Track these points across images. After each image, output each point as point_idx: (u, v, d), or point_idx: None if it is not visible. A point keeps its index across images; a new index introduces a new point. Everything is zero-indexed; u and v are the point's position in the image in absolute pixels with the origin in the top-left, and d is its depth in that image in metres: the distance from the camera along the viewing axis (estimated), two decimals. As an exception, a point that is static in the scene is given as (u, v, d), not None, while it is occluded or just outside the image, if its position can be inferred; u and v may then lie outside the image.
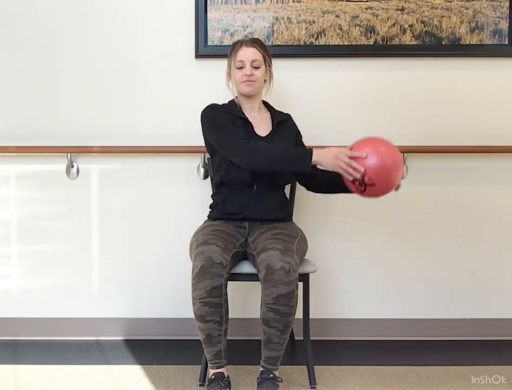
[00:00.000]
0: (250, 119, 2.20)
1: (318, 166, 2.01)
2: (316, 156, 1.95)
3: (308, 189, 2.31)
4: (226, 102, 2.28)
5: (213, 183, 2.36)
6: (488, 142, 2.57)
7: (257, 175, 2.14)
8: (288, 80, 2.53)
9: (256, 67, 2.16)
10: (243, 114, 2.21)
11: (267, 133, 2.21)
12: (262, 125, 2.22)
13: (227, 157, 2.11)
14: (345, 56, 2.57)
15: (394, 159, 1.93)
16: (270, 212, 2.19)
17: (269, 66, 2.22)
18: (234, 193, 2.19)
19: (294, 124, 2.32)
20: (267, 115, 2.27)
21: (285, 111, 2.33)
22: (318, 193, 2.30)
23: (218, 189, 2.27)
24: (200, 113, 2.20)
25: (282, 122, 2.25)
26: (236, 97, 2.25)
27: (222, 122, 2.14)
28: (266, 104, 2.31)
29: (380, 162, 1.89)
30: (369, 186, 1.91)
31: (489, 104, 2.59)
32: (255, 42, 2.18)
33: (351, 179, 1.93)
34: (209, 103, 2.23)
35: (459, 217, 2.63)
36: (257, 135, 2.18)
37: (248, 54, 2.15)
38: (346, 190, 2.07)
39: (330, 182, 2.18)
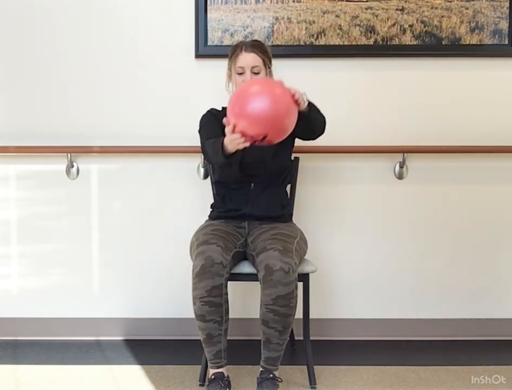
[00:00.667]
0: None
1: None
2: (227, 147, 1.94)
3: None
4: (225, 104, 2.27)
5: (213, 182, 2.37)
6: (488, 142, 2.57)
7: (248, 174, 2.16)
8: (288, 80, 2.52)
9: (256, 73, 2.16)
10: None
11: None
12: None
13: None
14: (345, 56, 2.57)
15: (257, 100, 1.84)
16: (269, 210, 2.19)
17: (269, 68, 2.22)
18: (232, 191, 2.20)
19: None
20: None
21: None
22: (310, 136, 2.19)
23: (218, 188, 2.28)
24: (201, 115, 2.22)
25: None
26: None
27: (206, 126, 2.20)
28: None
29: (249, 120, 1.83)
30: (267, 141, 1.87)
31: (489, 104, 2.59)
32: (255, 46, 2.17)
33: (248, 143, 1.89)
34: (209, 107, 2.25)
35: (459, 217, 2.63)
36: None
37: (248, 60, 2.14)
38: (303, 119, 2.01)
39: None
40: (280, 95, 1.87)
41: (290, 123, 1.90)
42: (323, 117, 2.13)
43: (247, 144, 1.89)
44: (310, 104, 2.03)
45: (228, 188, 2.21)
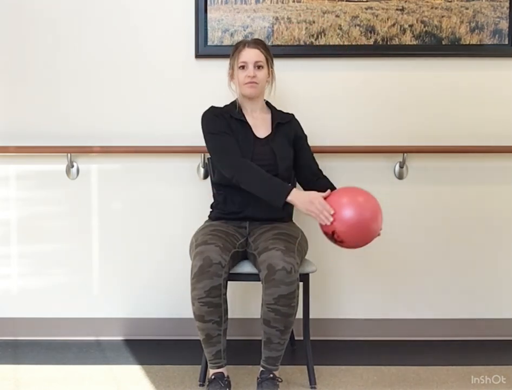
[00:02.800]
0: (249, 122, 2.20)
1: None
2: (292, 197, 1.99)
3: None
4: (227, 102, 2.28)
5: (213, 183, 2.37)
6: (488, 142, 2.57)
7: None
8: (288, 80, 2.53)
9: (259, 69, 2.16)
10: (243, 116, 2.21)
11: (266, 135, 2.21)
12: (261, 127, 2.21)
13: (217, 166, 2.16)
14: (345, 56, 2.57)
15: (372, 211, 1.94)
16: (271, 211, 2.18)
17: (271, 67, 2.22)
18: (234, 192, 2.19)
19: (298, 125, 2.30)
20: (268, 116, 2.27)
21: (285, 112, 2.32)
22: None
23: (219, 189, 2.27)
24: (201, 115, 2.21)
25: (281, 123, 2.24)
26: (238, 98, 2.25)
27: (217, 129, 2.15)
28: (268, 104, 2.31)
29: (354, 219, 1.90)
30: (338, 242, 1.94)
31: (489, 104, 2.59)
32: (258, 43, 2.18)
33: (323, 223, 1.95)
34: (210, 105, 2.23)
35: (459, 217, 2.63)
36: (256, 137, 2.18)
37: (251, 55, 2.15)
38: None
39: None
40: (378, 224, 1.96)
41: (376, 229, 1.96)
42: None
43: (326, 222, 1.93)
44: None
45: (229, 189, 2.21)
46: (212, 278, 1.93)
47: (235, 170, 2.07)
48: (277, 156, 2.16)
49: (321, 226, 1.98)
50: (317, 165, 2.30)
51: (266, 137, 2.20)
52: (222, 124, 2.16)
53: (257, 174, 2.05)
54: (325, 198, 1.97)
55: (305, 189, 2.26)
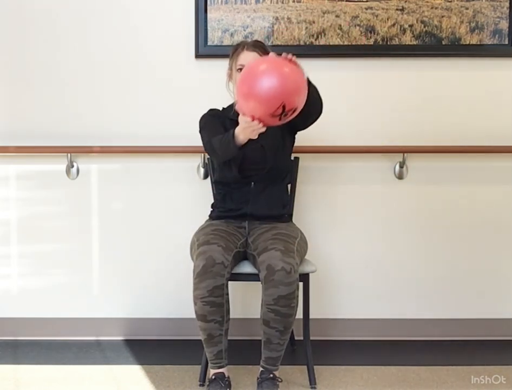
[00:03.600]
0: None
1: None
2: (238, 138, 1.94)
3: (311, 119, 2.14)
4: (227, 102, 2.28)
5: (213, 182, 2.37)
6: (488, 142, 2.57)
7: (246, 174, 2.15)
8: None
9: None
10: (238, 117, 2.21)
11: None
12: None
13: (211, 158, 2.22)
14: (345, 56, 2.57)
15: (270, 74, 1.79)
16: (270, 209, 2.19)
17: None
18: (232, 190, 2.20)
19: None
20: None
21: None
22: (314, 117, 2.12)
23: (218, 188, 2.28)
24: (200, 115, 2.21)
25: None
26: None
27: (209, 126, 2.17)
28: None
29: (267, 92, 1.76)
30: (289, 110, 1.80)
31: (489, 104, 2.59)
32: (256, 46, 2.17)
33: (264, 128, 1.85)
34: (209, 107, 2.25)
35: (459, 217, 2.63)
36: None
37: (249, 59, 2.13)
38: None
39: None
40: (289, 73, 1.81)
41: (301, 100, 1.84)
42: (320, 97, 2.08)
43: (263, 129, 1.88)
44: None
45: (228, 187, 2.21)
46: (215, 277, 1.93)
47: (211, 154, 2.12)
48: (265, 149, 2.15)
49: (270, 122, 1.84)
50: None
51: (258, 136, 2.20)
52: (217, 123, 2.19)
53: (218, 146, 2.04)
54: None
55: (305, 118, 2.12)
